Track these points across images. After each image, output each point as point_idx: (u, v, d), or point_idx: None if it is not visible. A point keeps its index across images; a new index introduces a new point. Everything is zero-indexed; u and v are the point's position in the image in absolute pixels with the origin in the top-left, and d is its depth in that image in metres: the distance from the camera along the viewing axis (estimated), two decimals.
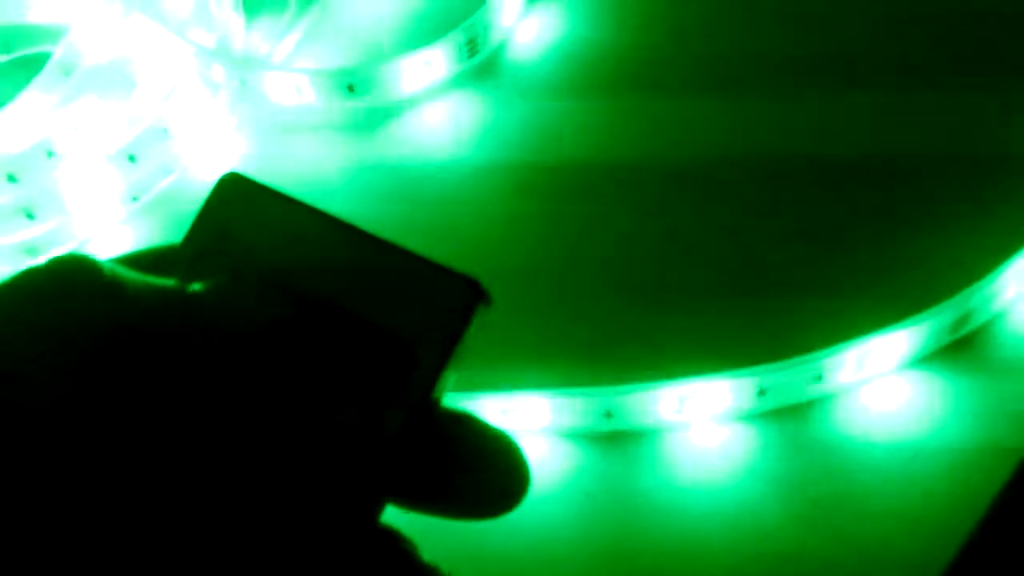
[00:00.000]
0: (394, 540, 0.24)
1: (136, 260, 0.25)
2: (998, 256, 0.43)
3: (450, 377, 0.24)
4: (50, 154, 0.51)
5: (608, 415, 0.42)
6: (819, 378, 0.42)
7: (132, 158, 0.52)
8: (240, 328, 0.24)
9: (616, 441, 0.42)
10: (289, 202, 0.26)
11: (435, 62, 0.54)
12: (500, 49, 0.56)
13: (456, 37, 0.54)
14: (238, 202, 0.26)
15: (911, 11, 0.54)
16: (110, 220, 0.53)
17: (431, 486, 0.24)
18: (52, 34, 0.57)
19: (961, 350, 0.44)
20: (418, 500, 0.24)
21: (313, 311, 0.25)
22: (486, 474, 0.24)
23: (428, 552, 0.25)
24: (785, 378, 0.42)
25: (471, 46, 0.55)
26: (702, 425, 0.42)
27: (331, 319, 0.24)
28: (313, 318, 0.24)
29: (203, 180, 0.53)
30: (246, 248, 0.25)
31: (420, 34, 0.56)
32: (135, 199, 0.53)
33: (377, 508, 0.23)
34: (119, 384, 0.21)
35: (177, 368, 0.22)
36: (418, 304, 0.24)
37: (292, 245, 0.25)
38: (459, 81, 0.55)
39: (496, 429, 0.25)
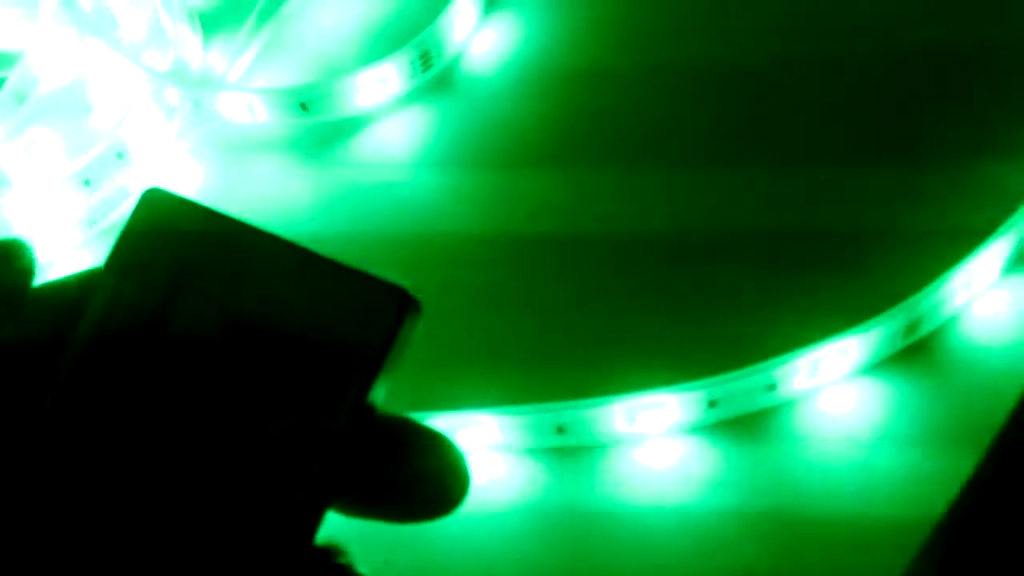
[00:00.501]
0: (328, 555, 0.24)
1: (62, 287, 0.25)
2: (948, 260, 0.43)
3: (384, 386, 0.24)
4: (2, 182, 0.51)
5: (560, 431, 0.42)
6: (772, 387, 0.42)
7: (88, 183, 0.52)
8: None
9: (569, 456, 0.42)
10: (213, 215, 0.26)
11: (389, 78, 0.54)
12: (454, 63, 0.56)
13: (409, 52, 0.54)
14: (161, 218, 0.26)
15: None
16: (68, 246, 0.52)
17: (370, 489, 0.24)
18: (5, 59, 0.57)
19: (914, 355, 0.44)
20: (358, 504, 0.24)
21: (236, 323, 0.25)
22: (425, 475, 0.24)
23: (372, 568, 0.25)
24: (736, 388, 0.42)
25: (424, 60, 0.55)
26: (655, 438, 0.42)
27: (257, 332, 0.24)
28: (236, 331, 0.24)
29: (166, 187, 0.53)
30: (170, 263, 0.25)
31: (374, 49, 0.56)
32: (92, 224, 0.53)
33: (316, 520, 0.23)
34: None
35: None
36: (346, 314, 0.24)
37: (216, 258, 0.25)
38: (414, 96, 0.55)
39: (433, 430, 0.25)
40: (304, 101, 0.53)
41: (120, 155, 0.53)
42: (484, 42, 0.56)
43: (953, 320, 0.44)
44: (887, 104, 0.50)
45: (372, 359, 0.24)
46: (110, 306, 0.25)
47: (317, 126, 0.54)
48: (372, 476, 0.24)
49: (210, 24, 0.59)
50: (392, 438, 0.24)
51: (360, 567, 0.24)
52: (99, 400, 0.23)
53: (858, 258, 0.45)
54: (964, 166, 0.48)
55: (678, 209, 0.48)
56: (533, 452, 0.43)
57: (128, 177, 0.53)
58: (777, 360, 0.41)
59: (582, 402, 0.41)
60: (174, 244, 0.26)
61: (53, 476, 0.22)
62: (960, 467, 0.40)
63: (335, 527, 0.24)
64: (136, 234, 0.26)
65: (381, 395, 0.24)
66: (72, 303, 0.24)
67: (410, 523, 0.24)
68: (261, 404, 0.24)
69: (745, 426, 0.42)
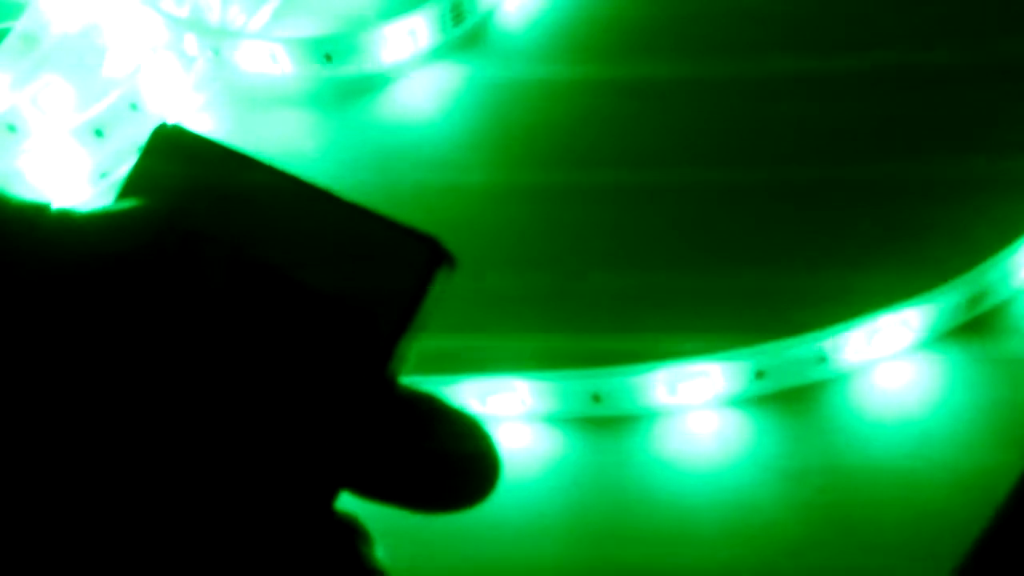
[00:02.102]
0: (349, 534, 0.22)
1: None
2: (1015, 230, 0.41)
3: (410, 348, 0.22)
4: (12, 128, 0.49)
5: (596, 399, 0.40)
6: (824, 359, 0.40)
7: (99, 133, 0.50)
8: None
9: (605, 427, 0.40)
10: (231, 155, 0.24)
11: (418, 31, 0.52)
12: (487, 18, 0.54)
13: (440, 4, 0.51)
14: (175, 156, 0.24)
15: None
16: (78, 197, 0.51)
17: (392, 475, 0.22)
18: (17, 8, 0.55)
19: (976, 331, 0.41)
20: (378, 490, 0.22)
21: (252, 272, 0.22)
22: (452, 463, 0.22)
23: (399, 540, 0.23)
24: (785, 359, 0.39)
25: (456, 14, 0.52)
26: (697, 410, 0.40)
27: (274, 282, 0.22)
28: (251, 280, 0.22)
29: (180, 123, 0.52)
30: (183, 204, 0.23)
31: (403, 1, 0.54)
32: (104, 176, 0.51)
33: (332, 493, 0.21)
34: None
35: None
36: (372, 267, 0.22)
37: (232, 200, 0.23)
38: (443, 51, 0.53)
39: (463, 412, 0.23)
40: (329, 52, 0.51)
41: (134, 106, 0.51)
42: None
43: (1019, 294, 0.42)
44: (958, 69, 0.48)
45: (397, 319, 0.22)
46: None
47: (341, 81, 0.52)
48: (391, 457, 0.22)
49: None
50: (415, 416, 0.22)
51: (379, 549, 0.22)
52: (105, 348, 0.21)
53: (921, 225, 0.43)
54: None
55: (729, 154, 0.46)
56: (566, 421, 0.40)
57: (142, 129, 0.51)
58: (830, 330, 0.39)
59: (620, 368, 0.39)
60: (187, 183, 0.24)
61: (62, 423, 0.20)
62: (1016, 448, 0.38)
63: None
64: (146, 173, 0.24)
65: (404, 360, 0.22)
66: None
67: (431, 512, 0.22)
68: (273, 362, 0.22)
69: (794, 400, 0.40)
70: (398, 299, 0.22)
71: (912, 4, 0.50)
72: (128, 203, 0.23)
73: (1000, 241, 0.41)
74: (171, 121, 0.24)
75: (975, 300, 0.41)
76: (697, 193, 0.45)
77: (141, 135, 0.50)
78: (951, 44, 0.49)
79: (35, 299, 0.20)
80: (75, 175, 0.50)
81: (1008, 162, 0.45)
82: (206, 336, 0.21)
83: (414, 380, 0.23)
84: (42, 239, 0.21)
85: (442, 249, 0.22)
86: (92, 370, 0.20)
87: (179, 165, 0.24)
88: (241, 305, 0.22)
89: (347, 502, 0.22)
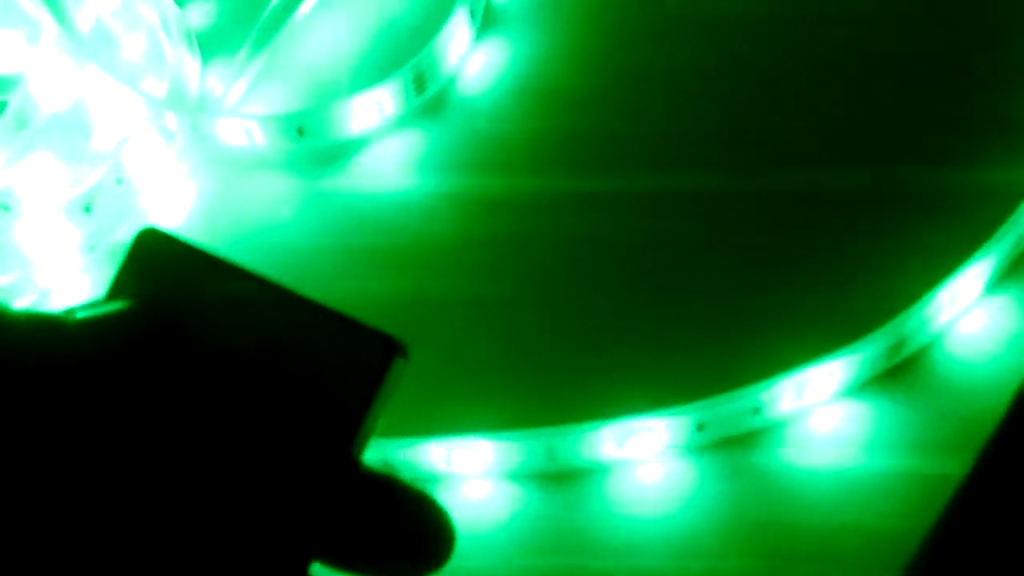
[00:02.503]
0: None
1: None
2: (929, 281, 0.44)
3: (371, 430, 0.25)
4: (5, 208, 0.52)
5: (551, 455, 0.42)
6: (759, 410, 0.43)
7: (88, 208, 0.53)
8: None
9: (560, 481, 0.43)
10: (206, 257, 0.26)
11: (384, 101, 0.55)
12: (448, 85, 0.57)
13: (404, 75, 0.54)
14: (156, 257, 0.27)
15: None
16: (69, 270, 0.53)
17: (359, 546, 0.25)
18: (5, 83, 0.58)
19: (898, 376, 0.44)
20: (347, 561, 0.25)
21: (222, 368, 0.25)
22: (411, 536, 0.25)
23: None
24: (723, 411, 0.42)
25: (419, 83, 0.55)
26: (645, 461, 0.43)
27: (241, 377, 0.25)
28: (221, 376, 0.25)
29: (160, 226, 0.54)
30: (163, 302, 0.26)
31: (370, 73, 0.57)
32: (92, 249, 0.54)
33: (305, 564, 0.24)
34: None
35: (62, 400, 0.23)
36: (335, 361, 0.25)
37: (208, 300, 0.26)
38: (408, 118, 0.56)
39: (418, 490, 0.25)
40: (301, 126, 0.54)
41: (119, 180, 0.54)
42: (477, 65, 0.57)
43: (937, 339, 0.45)
44: (868, 122, 0.51)
45: (358, 406, 0.24)
46: None
47: (313, 148, 0.55)
48: (357, 534, 0.24)
49: (208, 47, 0.60)
50: (377, 496, 0.25)
51: None
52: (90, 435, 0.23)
53: (842, 279, 0.46)
54: (944, 186, 0.48)
55: (664, 231, 0.49)
56: (524, 476, 0.43)
57: (128, 202, 0.54)
58: (763, 383, 0.42)
59: (572, 427, 0.42)
60: (166, 284, 0.26)
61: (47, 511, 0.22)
62: (945, 484, 0.41)
63: None
64: (130, 274, 0.27)
65: (365, 443, 0.25)
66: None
67: None
68: (243, 452, 0.24)
69: (733, 448, 0.43)
70: (358, 389, 0.24)
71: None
72: (113, 305, 0.26)
73: (914, 292, 0.44)
74: (151, 223, 0.27)
75: (896, 348, 0.44)
76: (639, 260, 0.48)
77: (127, 208, 0.54)
78: (852, 114, 0.52)
79: (34, 398, 0.22)
80: (65, 248, 0.53)
81: (920, 217, 0.48)
82: (183, 423, 0.24)
83: (382, 443, 0.25)
84: (43, 351, 0.23)
85: (395, 345, 0.25)
86: (76, 457, 0.22)
87: (159, 268, 0.26)
88: (215, 394, 0.24)
89: (319, 573, 0.25)
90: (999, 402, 0.42)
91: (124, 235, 0.54)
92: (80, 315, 0.25)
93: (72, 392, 0.23)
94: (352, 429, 0.24)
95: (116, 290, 0.26)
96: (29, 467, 0.22)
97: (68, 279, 0.53)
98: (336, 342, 0.25)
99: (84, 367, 0.23)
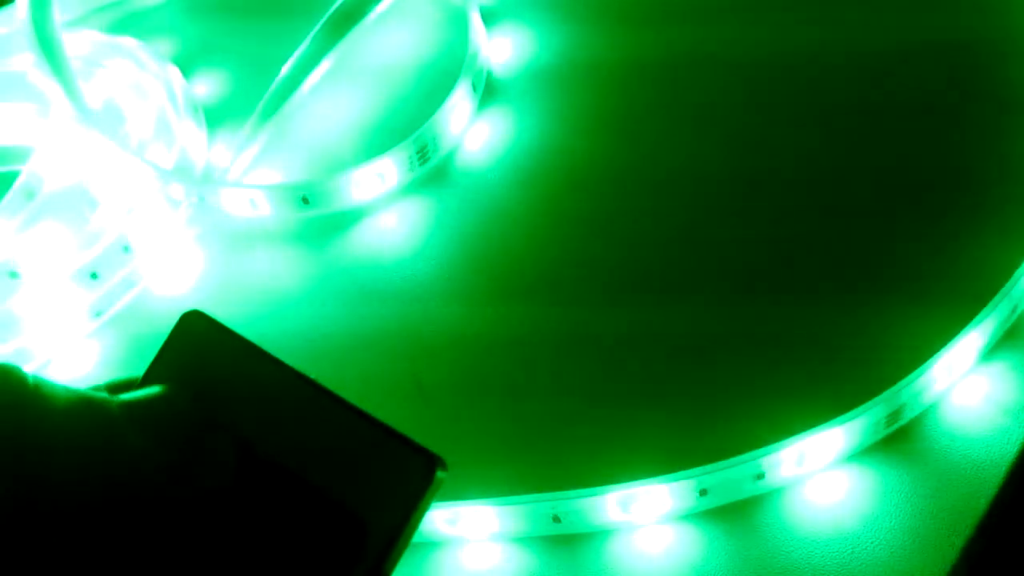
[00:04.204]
0: None
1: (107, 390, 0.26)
2: (926, 351, 0.45)
3: (405, 546, 0.24)
4: (13, 275, 0.53)
5: (556, 519, 0.43)
6: (761, 476, 0.43)
7: (94, 275, 0.54)
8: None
9: (565, 544, 0.43)
10: (249, 347, 0.26)
11: (387, 172, 0.56)
12: (450, 156, 0.58)
13: (407, 147, 0.56)
14: (199, 341, 0.27)
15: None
16: (75, 336, 0.54)
17: None
18: (15, 154, 0.59)
19: (896, 442, 0.45)
20: None
21: (261, 470, 0.25)
22: None
23: None
24: (726, 477, 0.43)
25: (421, 154, 0.57)
26: (649, 526, 0.43)
27: (280, 482, 0.24)
28: (260, 478, 0.25)
29: (164, 294, 0.55)
30: (203, 390, 0.26)
31: (374, 144, 0.58)
32: (98, 314, 0.54)
33: None
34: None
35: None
36: (373, 476, 0.24)
37: (248, 394, 0.26)
38: (411, 188, 0.57)
39: None
40: (305, 195, 0.55)
41: (126, 248, 0.54)
42: (478, 136, 0.58)
43: (933, 407, 0.46)
44: (868, 195, 0.52)
45: (393, 527, 0.24)
46: None
47: (318, 218, 0.56)
48: None
49: (214, 118, 0.62)
50: None
51: None
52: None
53: (840, 350, 0.47)
54: (940, 258, 0.49)
55: (667, 300, 0.50)
56: (530, 540, 0.44)
57: (134, 269, 0.55)
58: (765, 450, 0.43)
59: (577, 492, 0.42)
60: (208, 370, 0.26)
61: None
62: (944, 550, 0.42)
63: None
64: (173, 354, 0.27)
65: (399, 557, 0.24)
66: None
67: None
68: (271, 558, 0.24)
69: (735, 513, 0.44)
70: (395, 509, 0.24)
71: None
72: (154, 390, 0.26)
73: (912, 362, 0.45)
74: (194, 308, 0.27)
75: (893, 416, 0.45)
76: (643, 329, 0.49)
77: (132, 275, 0.55)
78: (842, 181, 0.54)
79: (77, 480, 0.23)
80: (73, 314, 0.53)
81: (915, 288, 0.49)
82: (213, 524, 0.24)
83: None
84: (89, 434, 0.24)
85: (436, 460, 0.24)
86: (111, 546, 0.23)
87: (201, 353, 0.26)
88: (248, 498, 0.24)
89: None
90: (995, 467, 0.43)
91: (130, 300, 0.55)
92: (124, 397, 0.25)
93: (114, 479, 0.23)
94: (386, 549, 0.24)
95: (155, 371, 0.26)
96: None
97: (74, 344, 0.54)
98: (376, 453, 0.25)
99: (125, 456, 0.24)
